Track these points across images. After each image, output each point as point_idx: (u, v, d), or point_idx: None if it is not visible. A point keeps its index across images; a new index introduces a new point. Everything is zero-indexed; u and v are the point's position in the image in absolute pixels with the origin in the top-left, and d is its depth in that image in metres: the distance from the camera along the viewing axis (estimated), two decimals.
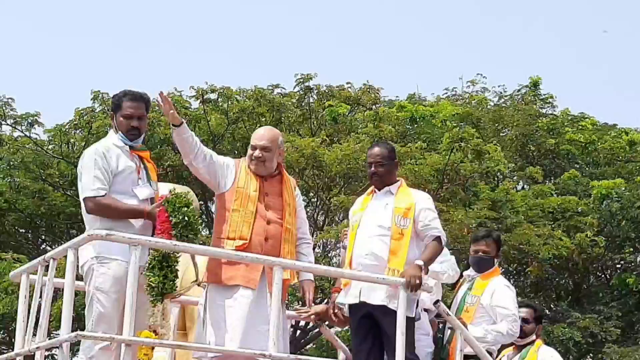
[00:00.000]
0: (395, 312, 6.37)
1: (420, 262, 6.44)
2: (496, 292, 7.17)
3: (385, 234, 6.64)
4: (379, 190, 6.85)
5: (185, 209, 5.96)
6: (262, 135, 6.51)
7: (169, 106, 6.11)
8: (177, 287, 5.98)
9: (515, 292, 7.43)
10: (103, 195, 6.05)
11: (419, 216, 6.65)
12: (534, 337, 7.56)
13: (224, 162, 6.48)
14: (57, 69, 39.47)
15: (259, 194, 6.36)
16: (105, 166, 6.10)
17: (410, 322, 6.47)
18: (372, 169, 6.82)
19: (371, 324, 6.59)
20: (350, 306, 6.68)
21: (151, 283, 5.86)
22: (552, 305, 19.69)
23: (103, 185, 6.06)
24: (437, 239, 6.64)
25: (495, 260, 7.41)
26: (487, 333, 7.05)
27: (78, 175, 6.27)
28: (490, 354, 7.09)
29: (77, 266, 5.89)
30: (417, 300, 6.60)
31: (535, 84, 21.45)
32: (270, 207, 6.38)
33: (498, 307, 7.11)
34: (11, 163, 18.79)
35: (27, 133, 18.69)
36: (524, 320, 7.46)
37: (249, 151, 6.48)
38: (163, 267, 5.89)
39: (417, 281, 6.31)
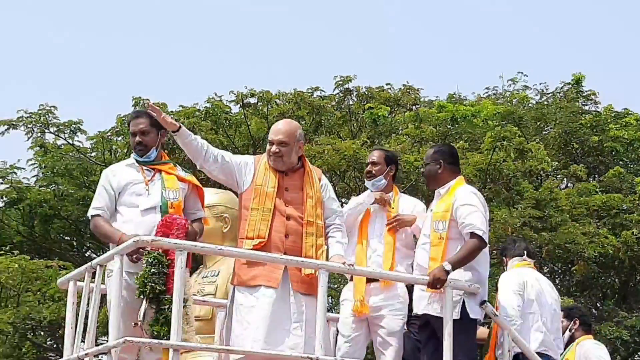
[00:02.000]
0: (437, 317, 6.43)
1: (448, 266, 6.33)
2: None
3: (426, 241, 6.65)
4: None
5: (155, 276, 5.96)
6: (278, 129, 6.44)
7: (159, 114, 6.19)
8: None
9: None
10: (96, 215, 6.36)
11: (456, 214, 6.52)
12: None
13: (241, 161, 6.44)
14: (99, 76, 39.81)
15: (277, 190, 6.30)
16: (106, 186, 6.42)
17: (464, 324, 6.43)
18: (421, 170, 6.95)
19: (430, 332, 6.60)
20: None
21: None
22: (598, 305, 19.51)
23: (99, 205, 6.37)
24: (473, 235, 6.44)
25: None
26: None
27: None
28: (546, 355, 7.06)
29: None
30: (464, 302, 6.50)
31: (578, 81, 21.23)
32: (291, 202, 6.32)
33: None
34: (55, 170, 18.95)
35: (70, 141, 18.85)
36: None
37: (268, 147, 6.44)
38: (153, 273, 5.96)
39: (438, 285, 6.30)
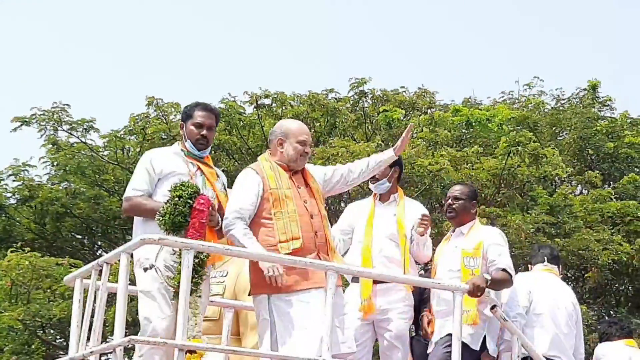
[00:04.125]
0: (466, 345, 6.60)
1: (487, 276, 6.57)
2: None
3: (455, 276, 6.75)
4: (454, 231, 7.11)
5: (177, 199, 5.89)
6: (307, 130, 6.49)
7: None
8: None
9: None
10: (136, 195, 6.11)
11: (487, 252, 6.79)
12: None
13: (256, 185, 6.25)
14: (112, 75, 39.85)
15: (293, 191, 6.24)
16: (149, 169, 6.17)
17: (477, 356, 6.65)
18: (449, 201, 7.10)
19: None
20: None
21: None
22: (611, 312, 19.38)
23: (139, 187, 6.13)
24: (505, 271, 6.75)
25: None
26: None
27: None
28: None
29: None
30: (485, 337, 6.78)
31: (593, 87, 21.10)
32: (306, 200, 6.25)
33: None
34: (67, 168, 18.92)
35: (83, 139, 18.82)
36: None
37: (298, 147, 6.33)
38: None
39: (479, 292, 6.38)
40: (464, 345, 6.58)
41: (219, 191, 6.32)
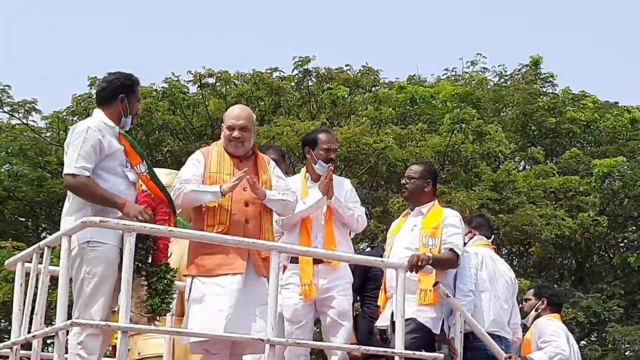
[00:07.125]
0: (427, 329, 6.64)
1: (430, 254, 6.58)
2: None
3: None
4: (412, 209, 7.08)
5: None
6: (238, 114, 6.39)
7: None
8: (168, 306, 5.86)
9: None
10: (86, 176, 5.85)
11: (442, 231, 6.82)
12: None
13: (197, 164, 6.31)
14: (54, 56, 39.34)
15: (233, 176, 6.21)
16: (96, 146, 5.89)
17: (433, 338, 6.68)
18: (403, 181, 7.13)
19: None
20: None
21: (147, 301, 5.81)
22: (555, 286, 19.66)
23: (88, 165, 5.84)
24: (452, 251, 6.78)
25: None
26: None
27: (65, 150, 6.05)
28: (498, 336, 7.08)
29: None
30: (443, 320, 6.80)
31: (535, 63, 21.28)
32: (247, 187, 6.20)
33: None
34: (9, 151, 18.67)
35: (25, 120, 18.60)
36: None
37: (226, 132, 6.34)
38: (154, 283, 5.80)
39: (420, 263, 6.44)
40: (425, 329, 6.69)
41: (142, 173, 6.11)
